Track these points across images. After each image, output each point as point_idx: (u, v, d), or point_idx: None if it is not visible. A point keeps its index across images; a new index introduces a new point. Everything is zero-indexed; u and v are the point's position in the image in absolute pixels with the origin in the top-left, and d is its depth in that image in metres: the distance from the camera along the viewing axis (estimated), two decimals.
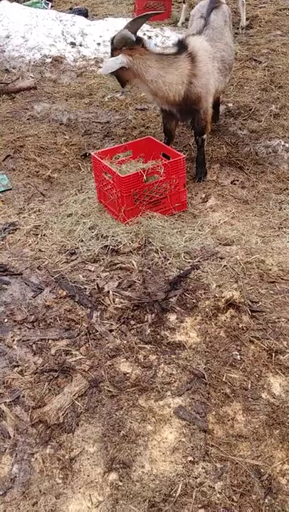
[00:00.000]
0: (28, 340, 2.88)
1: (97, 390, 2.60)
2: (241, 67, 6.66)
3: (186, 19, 7.79)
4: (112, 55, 3.90)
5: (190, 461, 2.31)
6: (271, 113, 5.48)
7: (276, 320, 2.96)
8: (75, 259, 3.49)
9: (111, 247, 3.54)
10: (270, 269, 3.35)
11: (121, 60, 3.79)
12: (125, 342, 2.85)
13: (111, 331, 2.93)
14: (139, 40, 3.84)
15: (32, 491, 2.23)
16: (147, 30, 7.74)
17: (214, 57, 4.23)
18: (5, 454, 2.35)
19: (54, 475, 2.28)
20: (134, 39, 3.78)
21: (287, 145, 4.92)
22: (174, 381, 2.64)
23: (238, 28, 7.82)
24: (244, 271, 3.32)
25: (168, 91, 3.95)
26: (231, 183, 4.50)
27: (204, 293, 3.14)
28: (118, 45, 3.82)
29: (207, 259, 3.44)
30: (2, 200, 4.25)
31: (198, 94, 4.08)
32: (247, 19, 8.11)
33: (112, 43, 3.89)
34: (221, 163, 4.74)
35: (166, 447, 2.36)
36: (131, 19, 4.15)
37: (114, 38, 3.85)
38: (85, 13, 8.51)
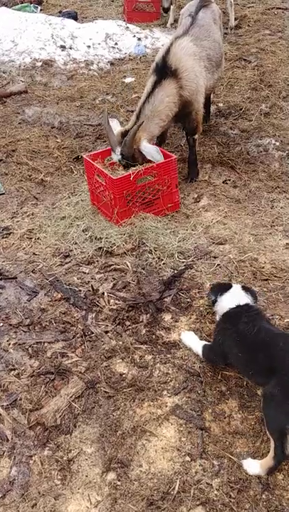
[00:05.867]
0: (24, 343, 2.89)
1: (93, 391, 2.62)
2: (231, 67, 6.69)
3: (176, 20, 7.82)
4: (132, 158, 3.87)
5: (187, 459, 2.33)
6: (261, 112, 5.51)
7: (270, 317, 2.98)
8: (70, 261, 3.51)
9: (105, 248, 3.56)
10: (263, 267, 3.37)
11: (151, 147, 3.84)
12: (121, 343, 2.87)
13: (106, 332, 2.94)
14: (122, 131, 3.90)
15: (31, 493, 2.24)
16: (137, 32, 7.77)
17: (200, 57, 4.22)
18: (3, 456, 2.36)
19: (52, 476, 2.30)
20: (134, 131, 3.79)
21: (277, 144, 4.95)
22: (170, 380, 2.66)
23: (227, 28, 7.85)
24: (237, 269, 3.34)
25: (165, 120, 4.01)
26: (223, 182, 4.52)
27: (198, 292, 3.16)
28: (130, 151, 3.82)
29: (201, 258, 3.46)
30: None
31: (189, 101, 4.11)
32: (236, 19, 8.15)
33: (123, 157, 3.84)
34: (212, 163, 4.76)
35: (163, 446, 2.38)
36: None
37: (123, 152, 3.81)
38: (74, 16, 8.52)
